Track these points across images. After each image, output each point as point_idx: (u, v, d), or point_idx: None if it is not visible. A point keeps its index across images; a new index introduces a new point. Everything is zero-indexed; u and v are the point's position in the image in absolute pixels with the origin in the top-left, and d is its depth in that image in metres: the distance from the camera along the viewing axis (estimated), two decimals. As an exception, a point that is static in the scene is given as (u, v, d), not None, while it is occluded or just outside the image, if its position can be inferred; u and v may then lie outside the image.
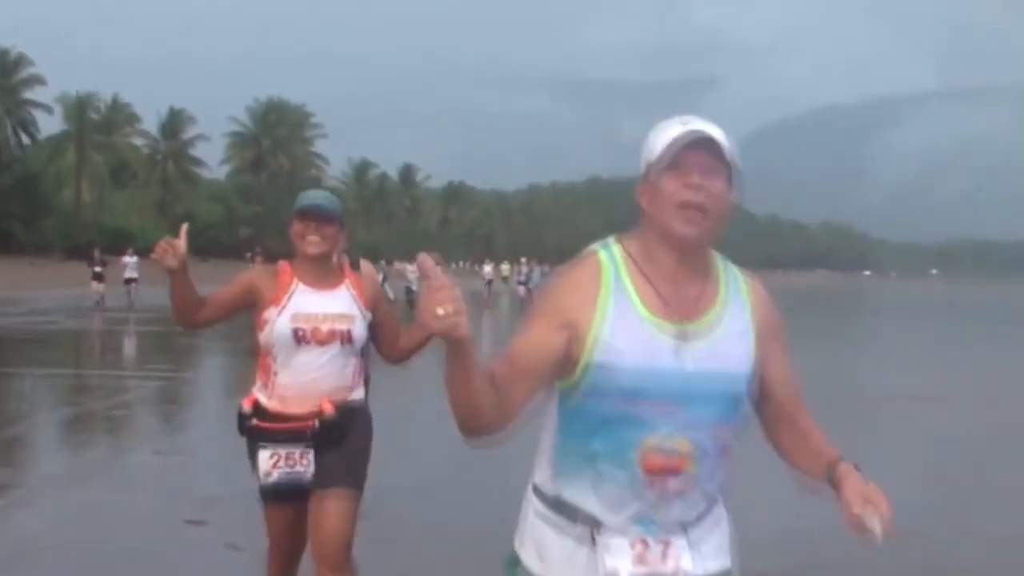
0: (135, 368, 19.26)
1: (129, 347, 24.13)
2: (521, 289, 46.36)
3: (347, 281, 4.44)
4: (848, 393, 16.25)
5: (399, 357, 4.65)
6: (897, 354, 27.00)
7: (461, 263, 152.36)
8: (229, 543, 6.69)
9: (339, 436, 4.32)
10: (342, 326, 4.34)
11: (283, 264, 4.44)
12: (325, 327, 4.31)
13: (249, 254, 44.01)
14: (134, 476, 9.22)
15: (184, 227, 4.24)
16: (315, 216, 4.28)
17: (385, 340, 4.63)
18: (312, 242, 4.28)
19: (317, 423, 4.29)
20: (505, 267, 63.09)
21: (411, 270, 35.67)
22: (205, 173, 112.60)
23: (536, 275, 40.34)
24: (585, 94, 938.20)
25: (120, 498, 8.26)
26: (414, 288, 34.54)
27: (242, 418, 4.38)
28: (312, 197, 4.37)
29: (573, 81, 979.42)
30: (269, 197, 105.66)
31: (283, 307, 4.30)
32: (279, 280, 4.39)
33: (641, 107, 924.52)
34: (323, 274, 4.39)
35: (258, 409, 4.38)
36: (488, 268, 53.60)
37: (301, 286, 4.36)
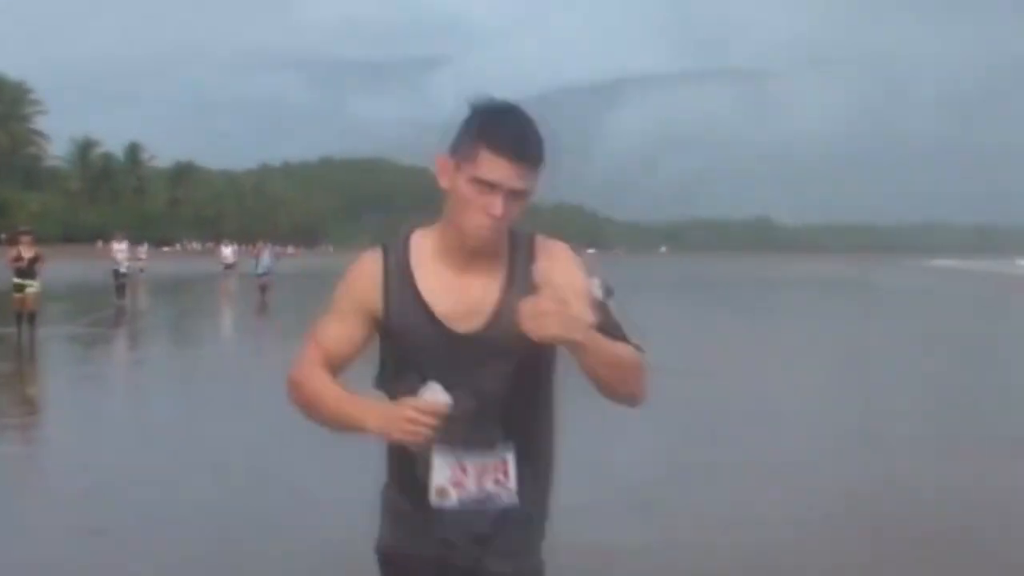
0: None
1: None
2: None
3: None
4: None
5: None
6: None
7: (195, 244, 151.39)
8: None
9: None
10: None
11: None
12: None
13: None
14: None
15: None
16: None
17: None
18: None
19: None
20: (229, 248, 51.93)
21: (118, 249, 33.26)
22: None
23: (267, 260, 37.15)
24: (316, 72, 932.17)
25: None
26: (123, 270, 32.84)
27: None
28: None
29: (303, 59, 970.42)
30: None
31: None
32: None
33: (372, 86, 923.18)
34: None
35: None
36: (228, 250, 48.85)
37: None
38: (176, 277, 52.93)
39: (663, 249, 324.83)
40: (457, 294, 2.59)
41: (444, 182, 2.57)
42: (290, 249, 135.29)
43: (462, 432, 2.49)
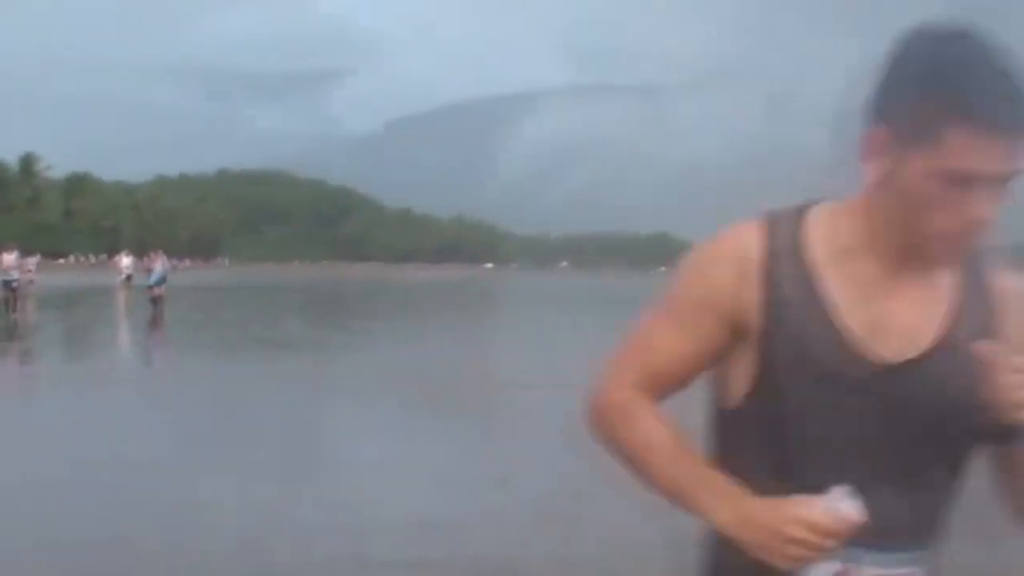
0: None
1: None
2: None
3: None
4: (474, 381, 17.92)
5: None
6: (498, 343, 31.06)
7: (91, 256, 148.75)
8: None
9: None
10: None
11: None
12: None
13: None
14: None
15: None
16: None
17: None
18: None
19: None
20: (127, 260, 49.13)
21: (7, 261, 31.75)
22: None
23: (159, 271, 35.08)
24: (214, 85, 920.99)
25: None
26: (12, 280, 31.63)
27: None
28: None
29: (201, 71, 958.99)
30: None
31: None
32: None
33: (270, 99, 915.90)
34: None
35: None
36: (127, 261, 46.92)
37: None
38: (69, 289, 52.05)
39: (564, 264, 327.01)
40: (877, 313, 1.71)
41: (873, 164, 1.66)
42: (186, 262, 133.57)
43: (862, 531, 1.57)
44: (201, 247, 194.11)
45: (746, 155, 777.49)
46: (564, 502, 8.50)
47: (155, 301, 34.14)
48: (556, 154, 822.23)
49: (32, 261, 32.58)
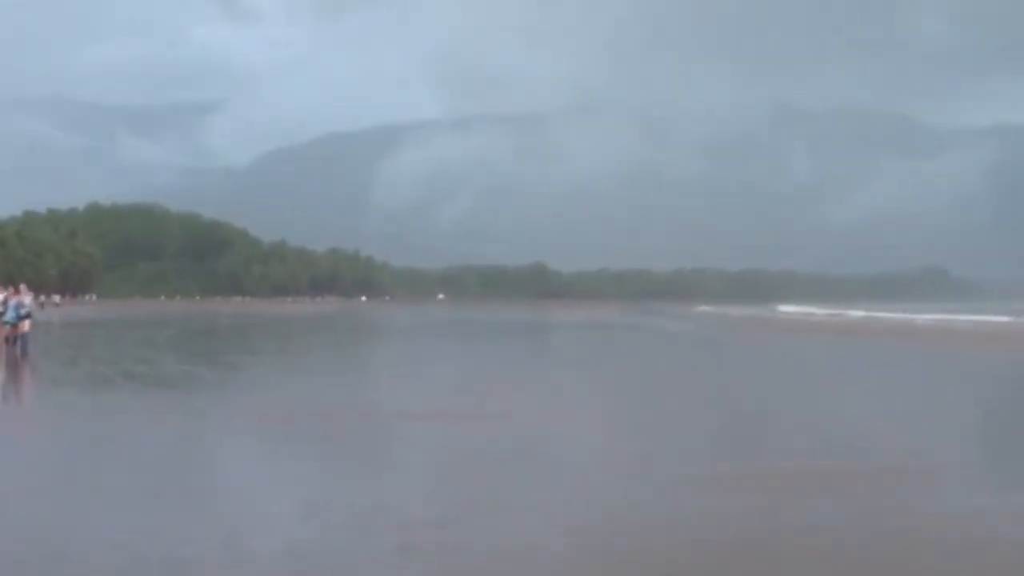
0: None
1: None
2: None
3: None
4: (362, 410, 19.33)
5: None
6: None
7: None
8: None
9: None
10: None
11: None
12: None
13: None
14: None
15: None
16: None
17: None
18: None
19: None
20: None
21: None
22: None
23: (13, 308, 33.00)
24: (81, 117, 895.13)
25: None
26: None
27: None
28: None
29: (69, 103, 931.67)
30: None
31: None
32: None
33: (140, 131, 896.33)
34: None
35: None
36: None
37: None
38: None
39: (440, 296, 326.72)
40: None
41: None
42: (56, 298, 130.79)
43: None
44: (72, 282, 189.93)
45: (622, 186, 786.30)
46: (430, 531, 8.89)
47: (14, 339, 32.37)
48: (433, 185, 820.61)
49: None
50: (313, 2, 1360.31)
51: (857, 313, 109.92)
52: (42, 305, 47.48)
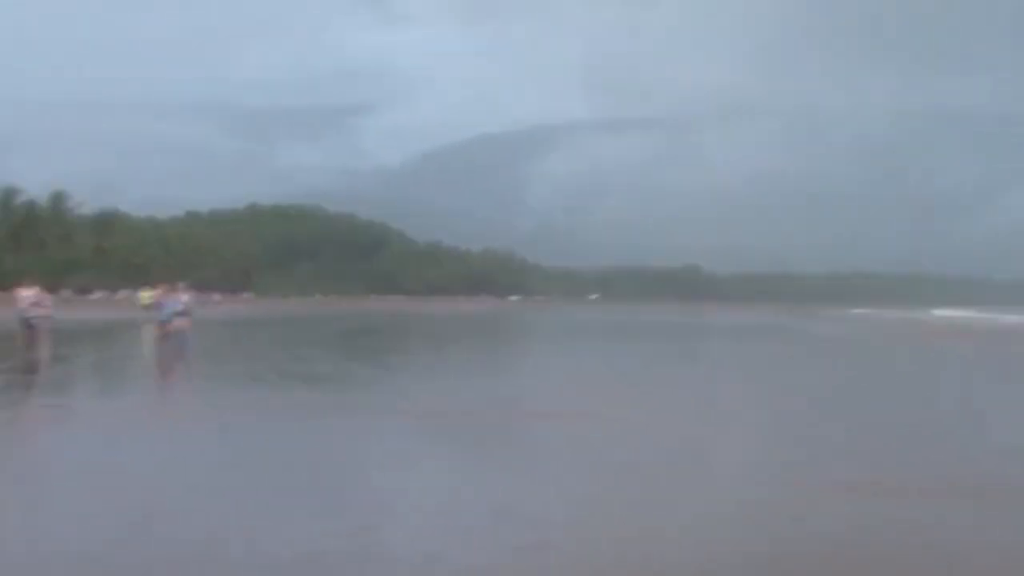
0: None
1: None
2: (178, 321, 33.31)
3: None
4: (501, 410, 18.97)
5: None
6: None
7: (122, 292, 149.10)
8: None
9: None
10: None
11: None
12: None
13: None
14: None
15: None
16: None
17: None
18: None
19: None
20: (147, 294, 50.62)
21: (24, 296, 30.57)
22: None
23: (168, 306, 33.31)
24: (241, 121, 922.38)
25: None
26: (30, 318, 30.09)
27: None
28: None
29: (229, 107, 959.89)
30: None
31: None
32: None
33: (296, 133, 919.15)
34: None
35: None
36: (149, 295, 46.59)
37: None
38: (89, 325, 52.02)
39: (593, 296, 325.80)
40: None
41: None
42: (216, 296, 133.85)
43: None
44: (233, 281, 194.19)
45: (774, 185, 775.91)
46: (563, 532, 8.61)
47: (171, 336, 32.52)
48: (586, 187, 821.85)
49: (47, 297, 31.52)
50: (464, 6, 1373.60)
51: (1012, 318, 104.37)
52: (203, 303, 48.34)
